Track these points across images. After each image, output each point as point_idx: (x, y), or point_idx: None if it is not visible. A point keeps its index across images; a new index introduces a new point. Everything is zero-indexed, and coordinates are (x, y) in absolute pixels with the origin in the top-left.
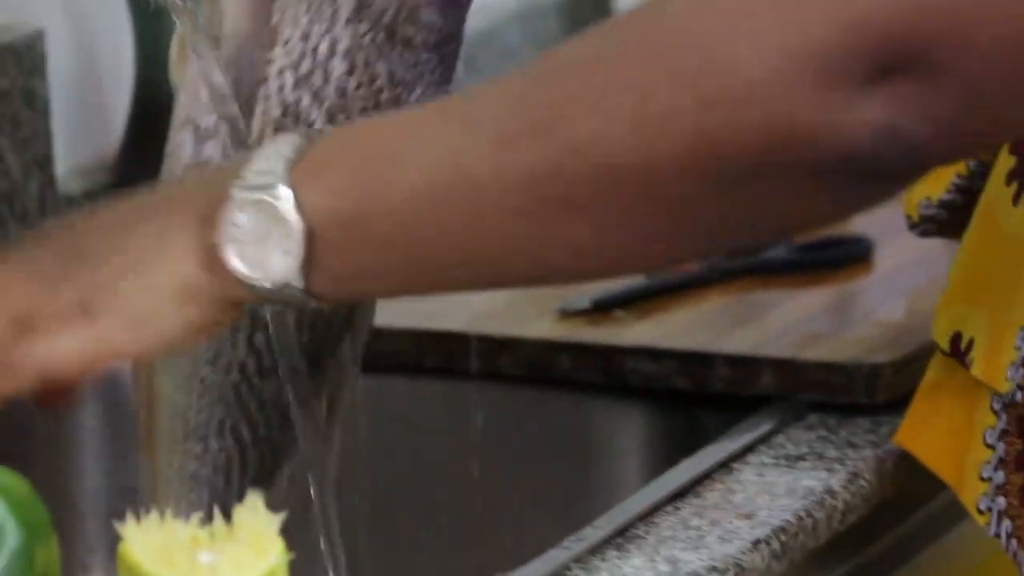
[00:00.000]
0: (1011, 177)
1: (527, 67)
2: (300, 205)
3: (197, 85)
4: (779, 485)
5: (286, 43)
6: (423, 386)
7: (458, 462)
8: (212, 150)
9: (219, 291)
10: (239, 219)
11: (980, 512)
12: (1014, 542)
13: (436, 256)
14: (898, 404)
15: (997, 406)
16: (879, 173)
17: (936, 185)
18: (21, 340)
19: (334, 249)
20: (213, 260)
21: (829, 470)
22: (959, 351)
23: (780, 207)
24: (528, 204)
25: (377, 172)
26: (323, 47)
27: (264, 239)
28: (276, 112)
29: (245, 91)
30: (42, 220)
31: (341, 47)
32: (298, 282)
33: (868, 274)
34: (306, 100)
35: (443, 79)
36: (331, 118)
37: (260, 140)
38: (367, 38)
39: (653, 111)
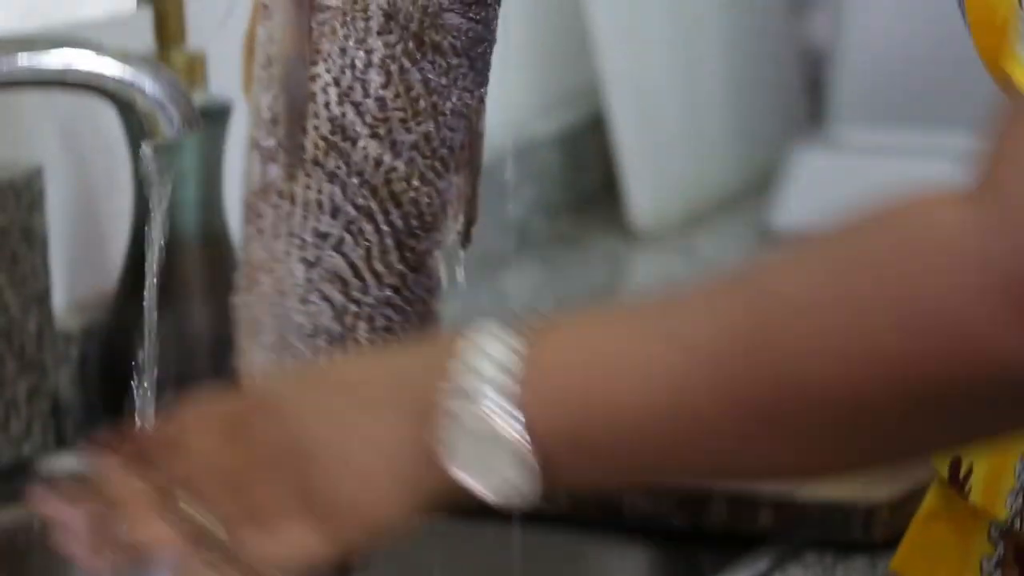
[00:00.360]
0: None
1: (731, 279)
2: (530, 427)
3: (258, 105)
4: None
5: (326, 59)
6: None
7: None
8: (275, 173)
9: (442, 486)
10: (458, 430)
11: None
12: None
13: (652, 466)
14: (895, 542)
15: (995, 535)
16: None
17: None
18: (246, 532)
19: (559, 464)
20: (433, 460)
21: None
22: (958, 479)
23: (976, 426)
24: (740, 426)
25: (597, 394)
26: (359, 60)
27: (490, 454)
28: (326, 129)
29: (298, 110)
30: (40, 356)
31: (376, 59)
32: (526, 492)
33: None
34: (350, 114)
35: (476, 83)
36: (374, 132)
37: (314, 159)
38: (399, 47)
39: (863, 346)
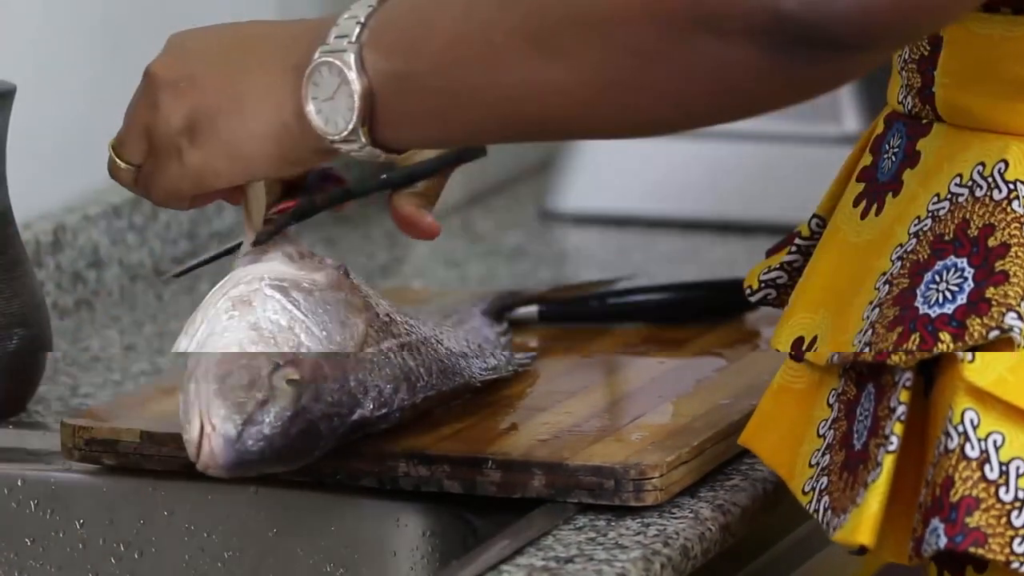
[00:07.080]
0: (858, 200)
1: None
2: (363, 67)
3: None
4: None
5: None
6: (194, 492)
7: (225, 569)
8: None
9: (303, 139)
10: (317, 78)
11: (804, 493)
12: (829, 513)
13: (462, 102)
14: (666, 506)
15: (832, 399)
16: (811, 40)
17: (777, 258)
18: (147, 157)
19: (389, 102)
20: (300, 111)
21: (598, 572)
22: (800, 351)
23: (727, 70)
24: (522, 49)
25: (416, 35)
26: None
27: (335, 96)
28: None
29: None
30: None
31: None
32: (362, 133)
33: (634, 380)
34: None
35: None
36: None
37: None
38: None
39: None
